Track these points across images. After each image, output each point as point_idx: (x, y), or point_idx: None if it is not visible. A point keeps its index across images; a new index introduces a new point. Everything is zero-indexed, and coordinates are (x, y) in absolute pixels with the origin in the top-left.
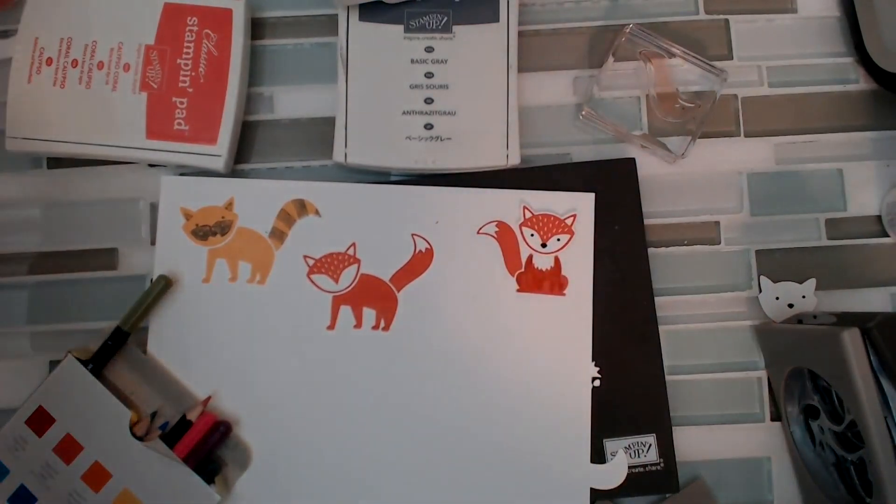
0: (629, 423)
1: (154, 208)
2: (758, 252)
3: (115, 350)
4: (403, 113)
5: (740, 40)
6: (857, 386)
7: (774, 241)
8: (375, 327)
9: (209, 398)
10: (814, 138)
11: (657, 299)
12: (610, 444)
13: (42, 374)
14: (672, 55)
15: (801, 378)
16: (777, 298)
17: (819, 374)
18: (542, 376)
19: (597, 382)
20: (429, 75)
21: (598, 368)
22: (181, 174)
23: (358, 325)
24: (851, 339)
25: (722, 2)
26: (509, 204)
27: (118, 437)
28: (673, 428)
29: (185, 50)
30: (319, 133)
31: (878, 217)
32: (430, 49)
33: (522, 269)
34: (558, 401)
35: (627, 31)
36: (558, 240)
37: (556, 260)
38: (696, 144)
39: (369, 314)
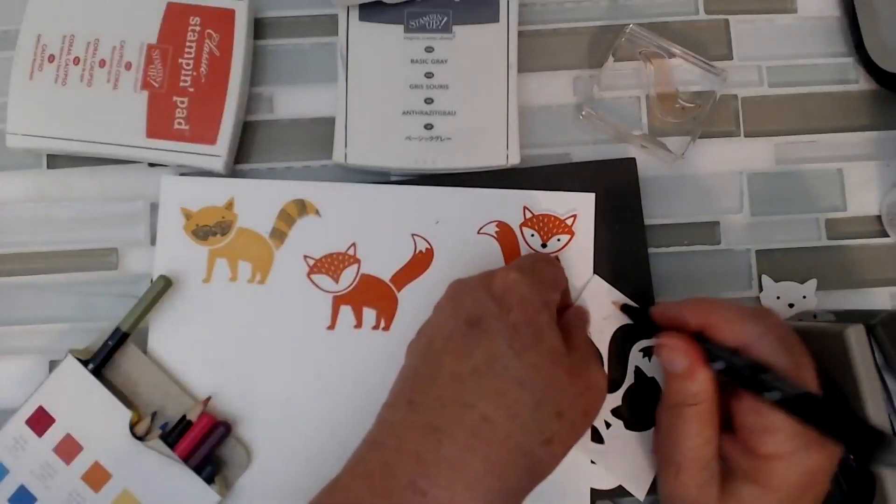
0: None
1: (154, 208)
2: (758, 252)
3: (115, 350)
4: (403, 113)
5: (740, 40)
6: (862, 383)
7: (774, 241)
8: (376, 327)
9: (209, 398)
10: (814, 138)
11: (657, 300)
12: None
13: (42, 374)
14: (672, 55)
15: None
16: (778, 298)
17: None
18: None
19: None
20: (429, 75)
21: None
22: (181, 174)
23: (358, 324)
24: (856, 336)
25: (722, 2)
26: (509, 204)
27: (118, 437)
28: None
29: (186, 49)
30: (319, 133)
31: (878, 217)
32: (430, 49)
33: None
34: None
35: (627, 31)
36: (558, 240)
37: (557, 260)
38: (696, 144)
39: (370, 314)
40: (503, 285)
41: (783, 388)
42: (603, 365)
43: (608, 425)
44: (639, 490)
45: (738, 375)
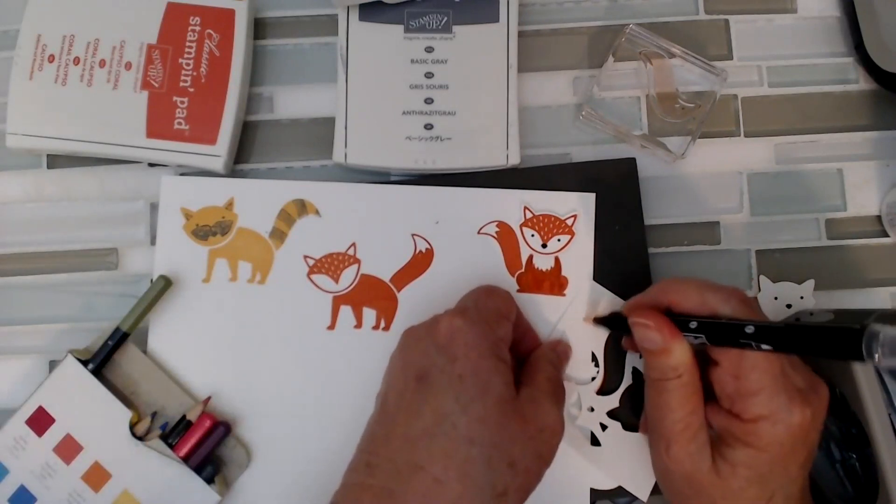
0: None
1: (154, 208)
2: (758, 252)
3: (115, 350)
4: (403, 113)
5: (740, 40)
6: (861, 383)
7: (774, 241)
8: (376, 327)
9: (209, 398)
10: (814, 138)
11: None
12: None
13: (42, 374)
14: (672, 55)
15: None
16: (776, 299)
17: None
18: None
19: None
20: (429, 75)
21: (597, 369)
22: (181, 174)
23: (358, 324)
24: None
25: (722, 2)
26: (510, 204)
27: (118, 437)
28: None
29: (186, 49)
30: (319, 133)
31: (878, 217)
32: (430, 49)
33: (523, 270)
34: None
35: (627, 31)
36: (559, 240)
37: (557, 260)
38: (696, 144)
39: (370, 314)
40: (447, 334)
41: (756, 323)
42: (561, 402)
43: (604, 427)
44: (642, 491)
45: (713, 328)
